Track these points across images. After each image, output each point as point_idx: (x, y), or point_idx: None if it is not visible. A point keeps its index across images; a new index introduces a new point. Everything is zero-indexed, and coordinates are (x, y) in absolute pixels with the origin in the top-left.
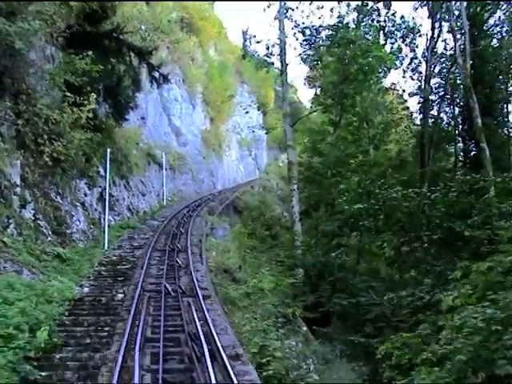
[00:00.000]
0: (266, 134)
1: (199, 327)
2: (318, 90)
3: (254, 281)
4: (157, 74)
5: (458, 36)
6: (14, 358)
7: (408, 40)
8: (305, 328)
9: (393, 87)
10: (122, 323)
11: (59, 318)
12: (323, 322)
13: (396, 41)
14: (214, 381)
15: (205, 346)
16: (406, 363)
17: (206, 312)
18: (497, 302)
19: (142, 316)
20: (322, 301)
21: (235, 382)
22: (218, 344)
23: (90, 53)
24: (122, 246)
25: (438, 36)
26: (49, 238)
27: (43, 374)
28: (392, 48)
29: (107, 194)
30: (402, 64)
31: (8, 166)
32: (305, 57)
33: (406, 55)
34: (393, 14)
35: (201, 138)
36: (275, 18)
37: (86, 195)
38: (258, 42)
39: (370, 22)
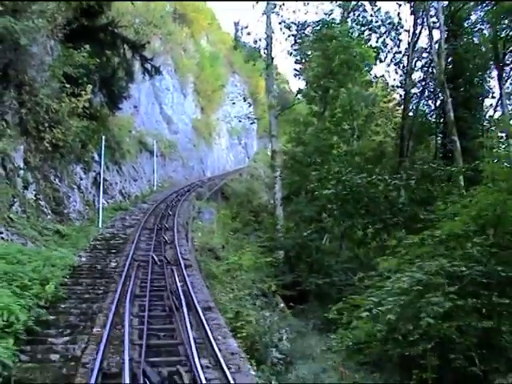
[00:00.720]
0: (252, 123)
1: (179, 287)
2: (304, 82)
3: (235, 258)
4: (149, 66)
5: (436, 33)
6: (30, 303)
7: (392, 35)
8: (282, 304)
9: (376, 80)
10: (114, 284)
11: (62, 279)
12: (300, 300)
13: (381, 36)
14: (188, 324)
15: (183, 299)
16: (350, 321)
17: (186, 276)
18: (423, 268)
19: (132, 279)
20: (300, 280)
21: (205, 324)
22: (194, 299)
23: (87, 46)
24: (114, 225)
25: (420, 32)
26: (49, 217)
27: (52, 317)
28: (377, 42)
29: (101, 179)
30: (386, 58)
31: (12, 151)
32: (291, 51)
33: (392, 48)
34: (377, 10)
35: (191, 127)
36: (263, 14)
37: (81, 179)
38: (249, 34)
39: (355, 17)
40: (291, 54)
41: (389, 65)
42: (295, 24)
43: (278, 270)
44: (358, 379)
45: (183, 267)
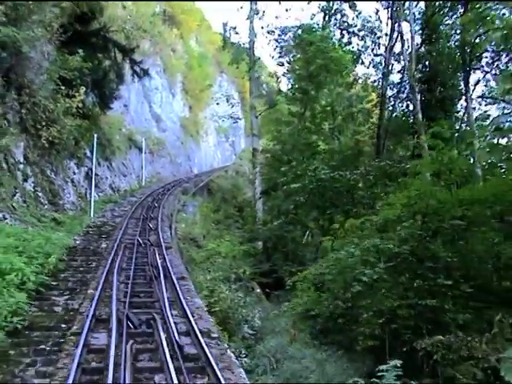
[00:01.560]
0: (235, 123)
1: (159, 262)
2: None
3: (213, 245)
4: (138, 69)
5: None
6: (36, 270)
7: (371, 38)
8: (258, 290)
9: (356, 81)
10: (104, 260)
11: (61, 256)
12: (276, 287)
13: (363, 39)
14: (163, 287)
15: (161, 271)
16: (304, 289)
17: (165, 255)
18: (359, 245)
19: (119, 256)
20: (276, 268)
21: (178, 289)
22: (171, 271)
23: (81, 51)
24: (104, 215)
25: (397, 37)
26: (46, 206)
27: (54, 283)
28: (358, 45)
29: (93, 173)
30: (365, 60)
31: (14, 147)
32: (273, 55)
33: (372, 51)
34: (358, 14)
35: (180, 125)
36: (247, 19)
37: (74, 173)
38: (237, 33)
39: (336, 21)
40: (273, 57)
41: (368, 67)
42: (277, 29)
43: (257, 259)
44: (307, 339)
45: (164, 248)
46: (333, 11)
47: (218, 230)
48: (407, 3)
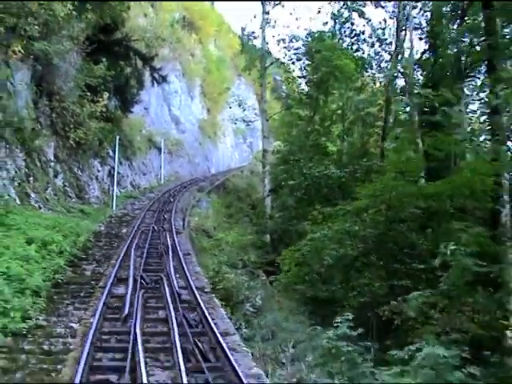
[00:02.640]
0: (247, 125)
1: (169, 242)
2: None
3: (222, 235)
4: (157, 75)
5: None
6: (70, 245)
7: (378, 45)
8: (264, 277)
9: (365, 86)
10: (124, 241)
11: (88, 237)
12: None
13: (373, 46)
14: (171, 259)
15: (170, 248)
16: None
17: (175, 238)
18: (332, 228)
19: (137, 238)
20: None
21: (182, 261)
22: (178, 249)
23: (104, 60)
24: (125, 208)
25: (402, 45)
26: (73, 199)
27: (83, 256)
28: (368, 52)
29: (115, 172)
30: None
31: (46, 147)
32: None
33: (380, 57)
34: (367, 22)
35: (198, 127)
36: (260, 28)
37: (98, 171)
38: (255, 38)
39: (345, 30)
40: (283, 63)
41: (374, 73)
42: (288, 36)
43: (264, 250)
44: (291, 307)
45: (174, 233)
46: (343, 19)
47: (229, 224)
48: (413, 11)
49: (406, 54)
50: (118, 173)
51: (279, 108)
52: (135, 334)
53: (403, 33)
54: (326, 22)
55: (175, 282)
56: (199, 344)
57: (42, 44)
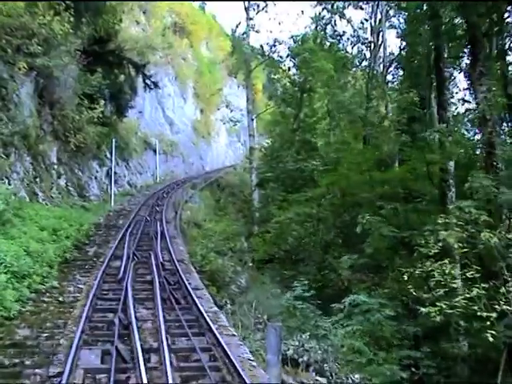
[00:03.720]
0: (234, 125)
1: (159, 229)
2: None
3: (210, 225)
4: (149, 82)
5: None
6: (75, 232)
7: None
8: (251, 264)
9: (345, 85)
10: (120, 230)
11: (90, 227)
12: (267, 262)
13: (354, 45)
14: (159, 242)
15: (159, 234)
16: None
17: (165, 226)
18: (297, 212)
19: (131, 227)
20: (281, 253)
21: (169, 242)
22: (166, 234)
23: (99, 69)
24: (122, 204)
25: (380, 45)
26: (75, 197)
27: (86, 241)
28: (351, 52)
29: (112, 172)
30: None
31: (49, 151)
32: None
33: (360, 57)
34: (348, 23)
35: (191, 127)
36: (243, 33)
37: (97, 172)
38: (245, 39)
39: (327, 31)
40: (267, 65)
41: (356, 72)
42: (266, 44)
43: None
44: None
45: (164, 223)
46: (324, 22)
47: (219, 216)
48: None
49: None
50: (115, 173)
51: (272, 106)
52: (126, 289)
53: (381, 33)
54: (308, 26)
55: (160, 256)
56: (174, 294)
57: (43, 60)
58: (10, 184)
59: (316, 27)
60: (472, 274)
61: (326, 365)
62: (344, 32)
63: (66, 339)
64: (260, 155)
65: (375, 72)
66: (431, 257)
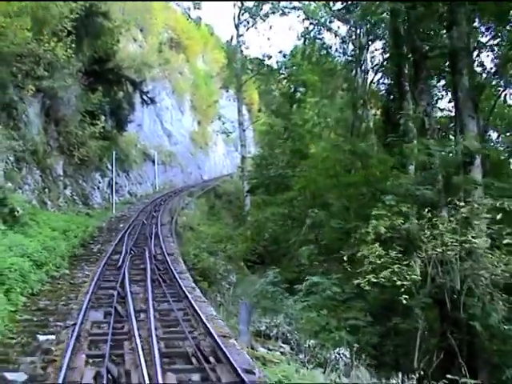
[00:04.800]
0: (228, 136)
1: (153, 231)
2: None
3: (202, 229)
4: (146, 98)
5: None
6: (81, 234)
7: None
8: (242, 263)
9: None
10: (120, 232)
11: (94, 230)
12: (258, 263)
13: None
14: (153, 240)
15: (154, 234)
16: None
17: (159, 228)
18: (272, 212)
19: (130, 230)
20: (260, 248)
21: (161, 241)
22: (160, 234)
23: (100, 87)
24: (123, 211)
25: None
26: (80, 206)
27: (91, 241)
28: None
29: (113, 182)
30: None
31: (56, 164)
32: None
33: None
34: (335, 36)
35: (189, 138)
36: (234, 50)
37: (100, 182)
38: (242, 52)
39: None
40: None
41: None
42: (256, 58)
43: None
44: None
45: (159, 225)
46: (311, 36)
47: (213, 221)
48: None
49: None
50: (116, 183)
51: (261, 117)
52: (124, 273)
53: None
54: (297, 40)
55: (153, 251)
56: (162, 277)
57: (48, 82)
58: (23, 194)
59: (304, 41)
60: (395, 254)
61: (289, 335)
62: (330, 45)
63: (77, 305)
64: (251, 163)
65: (360, 82)
66: (368, 242)
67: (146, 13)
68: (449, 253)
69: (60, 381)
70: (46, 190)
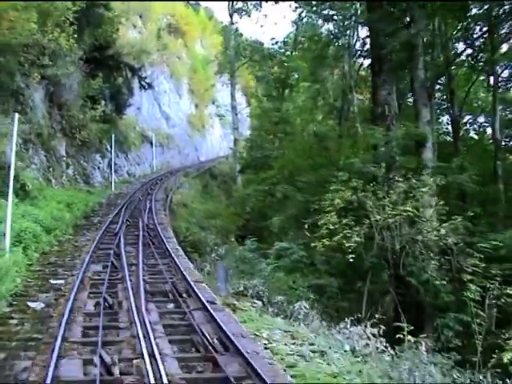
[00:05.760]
0: (220, 119)
1: (148, 206)
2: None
3: (194, 206)
4: (144, 83)
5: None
6: (83, 207)
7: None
8: (233, 239)
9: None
10: (118, 206)
11: (94, 205)
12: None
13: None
14: (147, 213)
15: (148, 208)
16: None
17: (153, 204)
18: (254, 189)
19: (127, 204)
20: (250, 224)
21: (154, 213)
22: (153, 209)
23: (100, 74)
24: (121, 189)
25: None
26: (82, 184)
27: (91, 214)
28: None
29: (112, 163)
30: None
31: (59, 146)
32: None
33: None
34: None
35: (187, 121)
36: (228, 38)
37: (100, 163)
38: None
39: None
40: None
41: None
42: (249, 45)
43: (239, 218)
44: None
45: (153, 201)
46: (303, 23)
47: (205, 199)
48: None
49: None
50: (116, 163)
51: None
52: (119, 238)
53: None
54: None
55: (146, 221)
56: (152, 240)
57: (52, 70)
58: (30, 172)
59: (297, 29)
60: (347, 221)
61: (262, 292)
62: (322, 32)
63: (81, 261)
64: (243, 145)
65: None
66: (327, 212)
67: None
68: (390, 220)
69: (68, 307)
70: (51, 169)
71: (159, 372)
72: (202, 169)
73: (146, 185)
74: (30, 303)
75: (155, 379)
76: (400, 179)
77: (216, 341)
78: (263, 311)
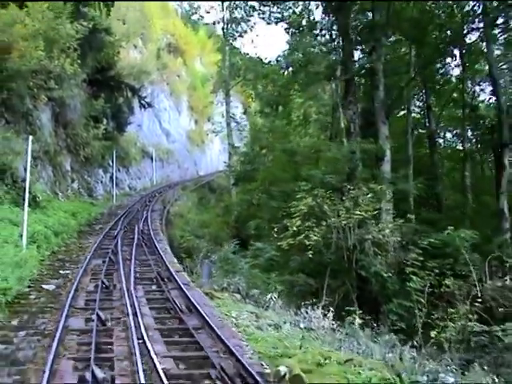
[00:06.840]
0: (216, 135)
1: (145, 215)
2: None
3: (190, 216)
4: (143, 102)
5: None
6: (87, 216)
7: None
8: (226, 247)
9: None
10: (118, 216)
11: (96, 215)
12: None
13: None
14: (142, 221)
15: (144, 217)
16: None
17: (149, 214)
18: (241, 198)
19: (126, 214)
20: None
21: (149, 222)
22: (149, 218)
23: (102, 94)
24: (122, 201)
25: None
26: (85, 197)
27: (94, 222)
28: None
29: (114, 177)
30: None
31: (64, 162)
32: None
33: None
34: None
35: (186, 137)
36: (222, 59)
37: (102, 177)
38: (240, 53)
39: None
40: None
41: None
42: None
43: (231, 225)
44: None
45: (150, 211)
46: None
47: (201, 210)
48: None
49: None
50: (117, 178)
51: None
52: (117, 240)
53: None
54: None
55: (141, 227)
56: (145, 242)
57: (58, 92)
58: (39, 186)
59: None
60: (308, 224)
61: (240, 287)
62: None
63: (84, 257)
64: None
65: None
66: (294, 217)
67: (146, 20)
68: (343, 222)
69: (74, 287)
70: (57, 182)
71: (139, 324)
72: (200, 182)
73: (145, 197)
74: (44, 285)
75: (135, 328)
76: (351, 187)
77: (184, 307)
78: (239, 301)
